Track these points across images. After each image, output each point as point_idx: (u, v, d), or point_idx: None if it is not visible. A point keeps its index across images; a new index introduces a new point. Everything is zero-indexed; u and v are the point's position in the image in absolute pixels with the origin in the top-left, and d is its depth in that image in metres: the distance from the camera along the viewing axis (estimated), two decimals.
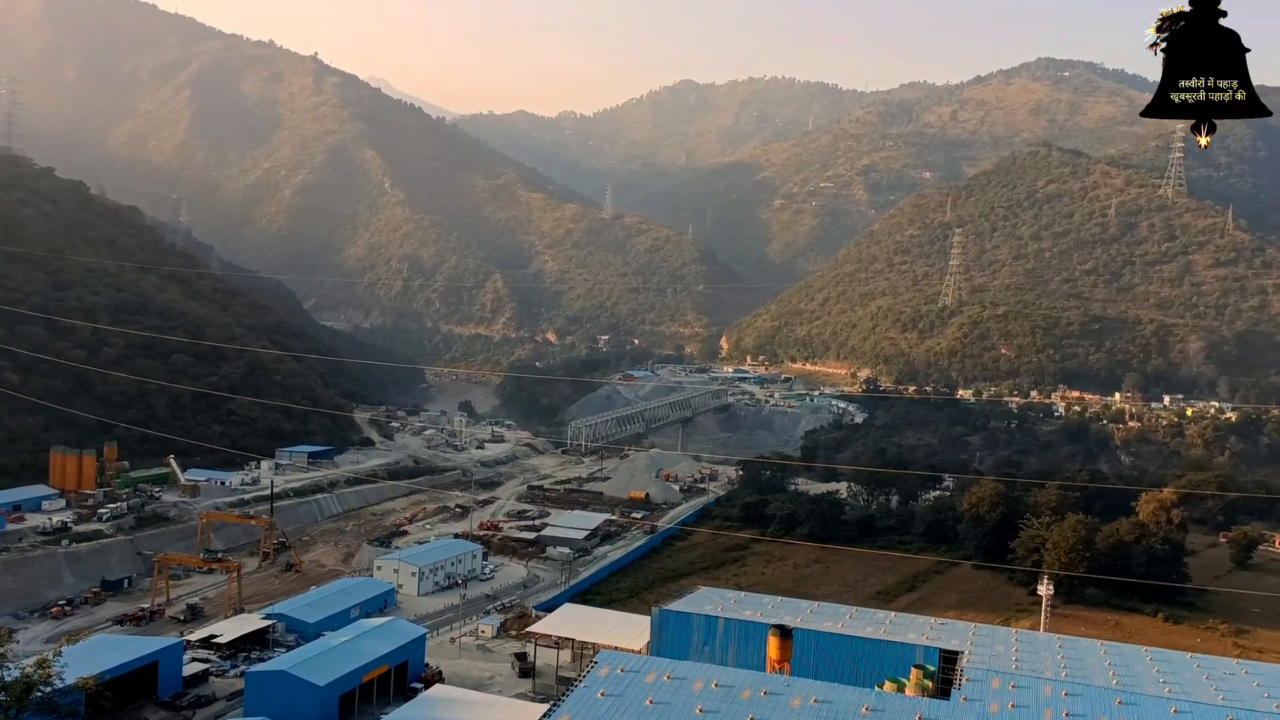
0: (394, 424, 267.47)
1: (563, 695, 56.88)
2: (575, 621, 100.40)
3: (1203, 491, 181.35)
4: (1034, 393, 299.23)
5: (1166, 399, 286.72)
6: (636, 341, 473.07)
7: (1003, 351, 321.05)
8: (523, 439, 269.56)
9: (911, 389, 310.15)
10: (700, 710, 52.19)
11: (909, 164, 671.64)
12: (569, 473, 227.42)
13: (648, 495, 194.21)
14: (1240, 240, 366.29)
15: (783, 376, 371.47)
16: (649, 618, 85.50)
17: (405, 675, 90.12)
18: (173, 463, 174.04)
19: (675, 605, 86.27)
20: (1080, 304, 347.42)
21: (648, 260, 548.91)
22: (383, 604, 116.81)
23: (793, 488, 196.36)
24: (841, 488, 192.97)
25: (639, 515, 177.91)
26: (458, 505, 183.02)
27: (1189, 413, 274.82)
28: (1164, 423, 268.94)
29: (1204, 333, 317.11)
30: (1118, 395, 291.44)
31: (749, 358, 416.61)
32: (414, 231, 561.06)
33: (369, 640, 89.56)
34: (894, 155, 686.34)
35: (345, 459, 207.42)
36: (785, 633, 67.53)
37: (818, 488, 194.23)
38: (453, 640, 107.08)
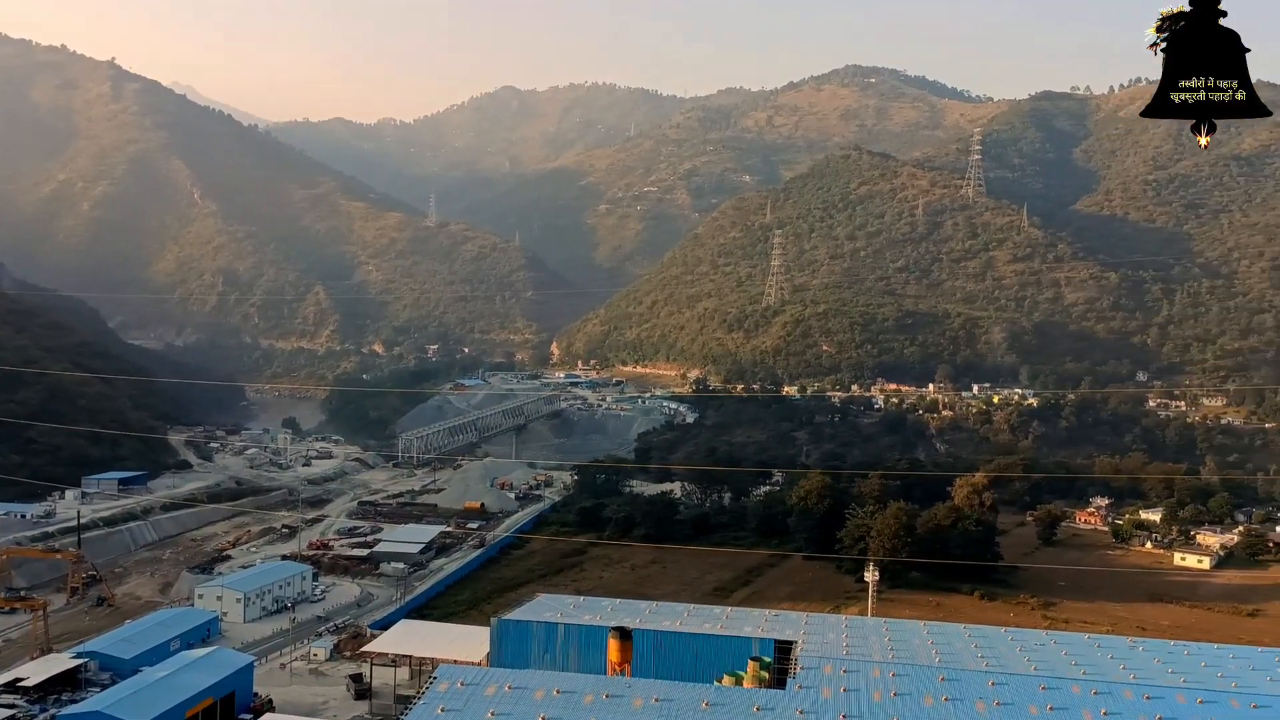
0: (213, 445, 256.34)
1: (401, 714, 55.59)
2: (412, 638, 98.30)
3: (1010, 474, 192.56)
4: (855, 387, 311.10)
5: (975, 388, 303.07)
6: (466, 350, 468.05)
7: (824, 348, 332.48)
8: (352, 454, 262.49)
9: (739, 387, 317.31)
10: (543, 718, 51.87)
11: (729, 168, 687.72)
12: (401, 486, 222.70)
13: (483, 505, 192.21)
14: (1034, 237, 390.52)
15: (614, 380, 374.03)
16: (488, 629, 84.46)
17: (232, 707, 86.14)
18: None
19: (514, 614, 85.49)
20: (894, 300, 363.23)
21: (475, 268, 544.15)
22: (206, 634, 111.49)
23: (628, 490, 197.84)
24: (676, 488, 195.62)
25: (475, 525, 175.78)
26: (284, 526, 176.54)
27: (995, 400, 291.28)
28: (974, 410, 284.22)
29: (1006, 324, 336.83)
30: (931, 386, 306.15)
31: (580, 362, 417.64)
32: (228, 244, 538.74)
33: (191, 673, 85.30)
34: (715, 159, 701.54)
35: (160, 484, 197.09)
36: (625, 634, 67.87)
37: (652, 489, 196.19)
38: (283, 666, 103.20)
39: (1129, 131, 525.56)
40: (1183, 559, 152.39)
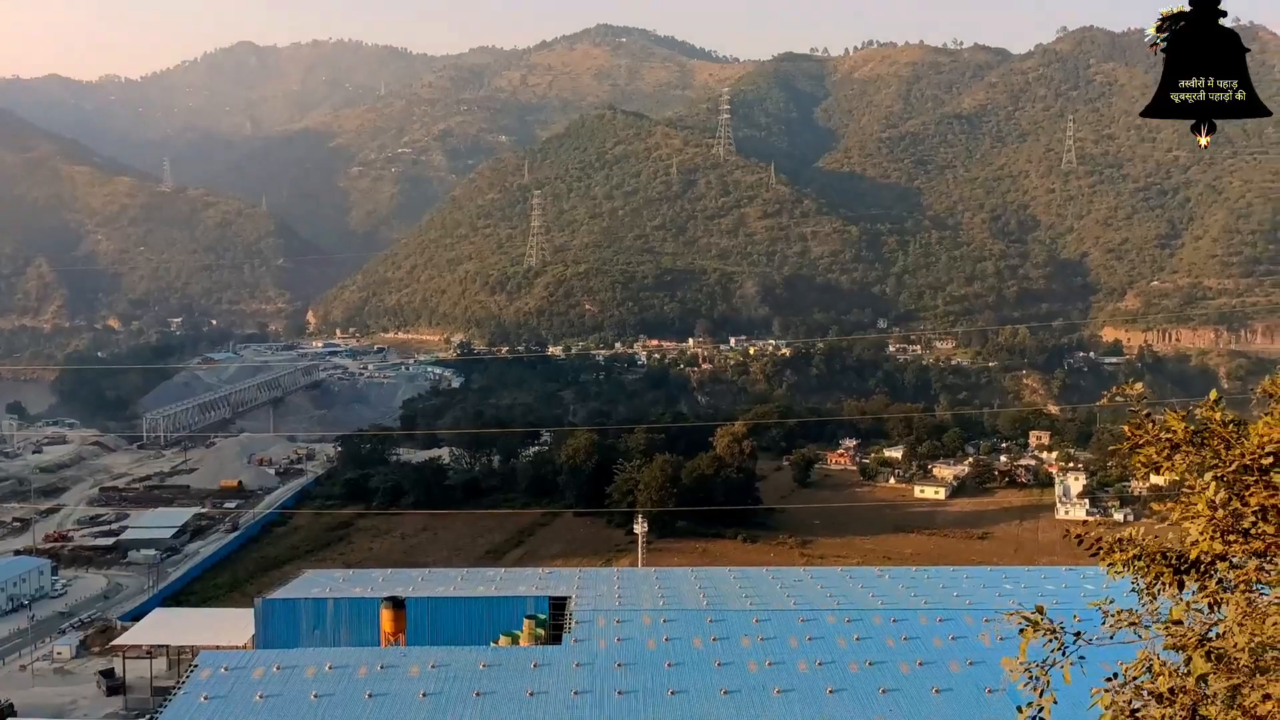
0: None
1: (159, 707, 52.72)
2: (169, 626, 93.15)
3: (767, 421, 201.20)
4: (618, 344, 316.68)
5: (732, 340, 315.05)
6: (214, 323, 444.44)
7: (587, 307, 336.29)
8: (89, 437, 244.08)
9: (504, 350, 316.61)
10: (315, 695, 50.46)
11: (485, 129, 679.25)
12: (149, 469, 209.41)
13: (240, 483, 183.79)
14: (782, 194, 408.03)
15: (375, 347, 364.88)
16: (252, 611, 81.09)
17: None
18: None
19: (280, 593, 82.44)
20: (653, 258, 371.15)
21: (219, 236, 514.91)
22: None
23: (395, 458, 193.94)
24: (444, 453, 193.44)
25: (233, 505, 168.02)
26: (15, 519, 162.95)
27: (751, 352, 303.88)
28: (732, 362, 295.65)
29: (758, 278, 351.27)
30: (691, 341, 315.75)
31: (339, 331, 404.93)
32: None
33: None
34: (469, 120, 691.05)
35: None
36: (398, 604, 66.86)
37: (420, 456, 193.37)
38: (23, 668, 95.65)
39: (863, 92, 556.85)
40: (922, 491, 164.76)
